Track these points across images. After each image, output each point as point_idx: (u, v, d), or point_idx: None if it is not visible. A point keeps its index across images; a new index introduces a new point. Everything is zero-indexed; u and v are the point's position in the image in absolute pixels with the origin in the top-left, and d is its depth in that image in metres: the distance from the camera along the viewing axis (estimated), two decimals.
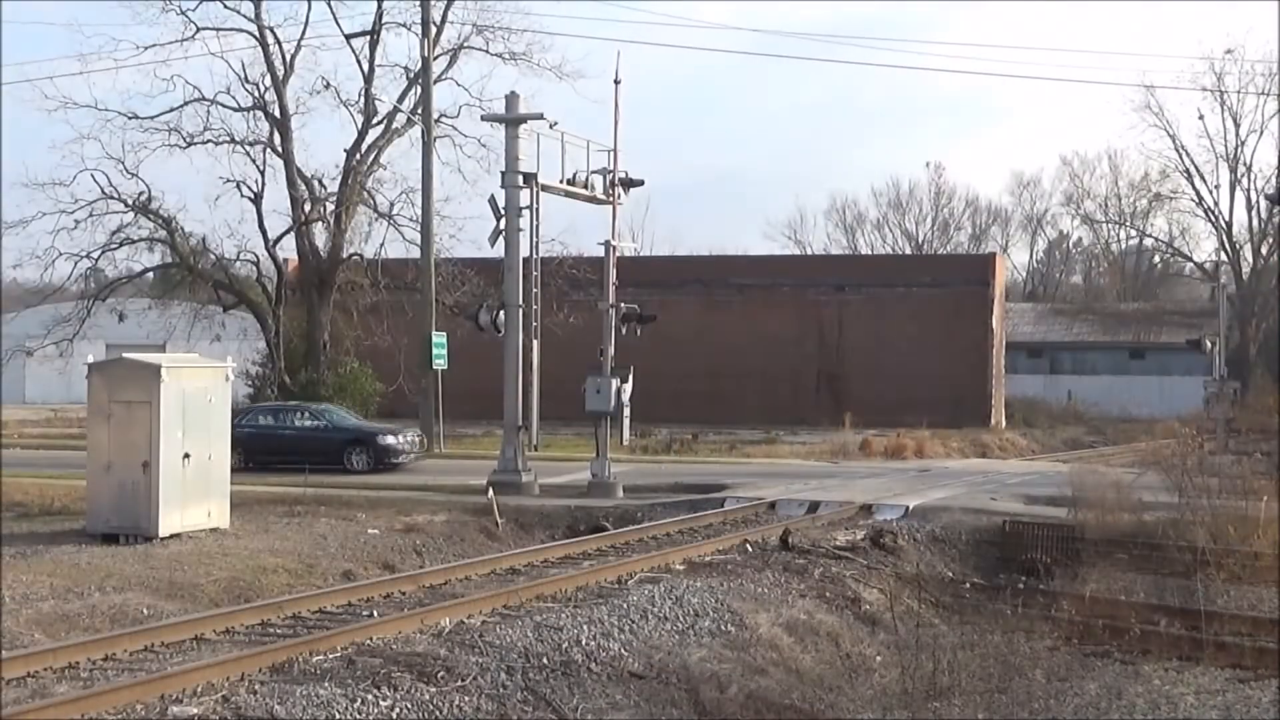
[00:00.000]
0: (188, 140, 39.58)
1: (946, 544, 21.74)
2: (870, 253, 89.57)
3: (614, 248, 27.46)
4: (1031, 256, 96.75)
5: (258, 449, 30.31)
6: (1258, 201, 75.88)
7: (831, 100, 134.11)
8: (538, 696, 12.46)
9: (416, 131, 39.36)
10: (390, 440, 31.96)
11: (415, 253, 39.81)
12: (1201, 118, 75.46)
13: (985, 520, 22.76)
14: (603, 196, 27.46)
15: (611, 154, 27.42)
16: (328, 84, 40.09)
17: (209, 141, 39.84)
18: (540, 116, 26.46)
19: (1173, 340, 68.46)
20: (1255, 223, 77.53)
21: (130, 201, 39.55)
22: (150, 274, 43.62)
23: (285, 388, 40.60)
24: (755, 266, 62.32)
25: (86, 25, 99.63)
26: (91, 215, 39.29)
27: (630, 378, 26.25)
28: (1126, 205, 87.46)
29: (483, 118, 33.62)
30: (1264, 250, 77.84)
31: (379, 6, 41.04)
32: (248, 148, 40.13)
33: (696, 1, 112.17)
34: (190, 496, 19.34)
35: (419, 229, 39.03)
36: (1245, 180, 76.23)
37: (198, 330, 42.73)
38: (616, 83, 27.49)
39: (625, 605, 15.45)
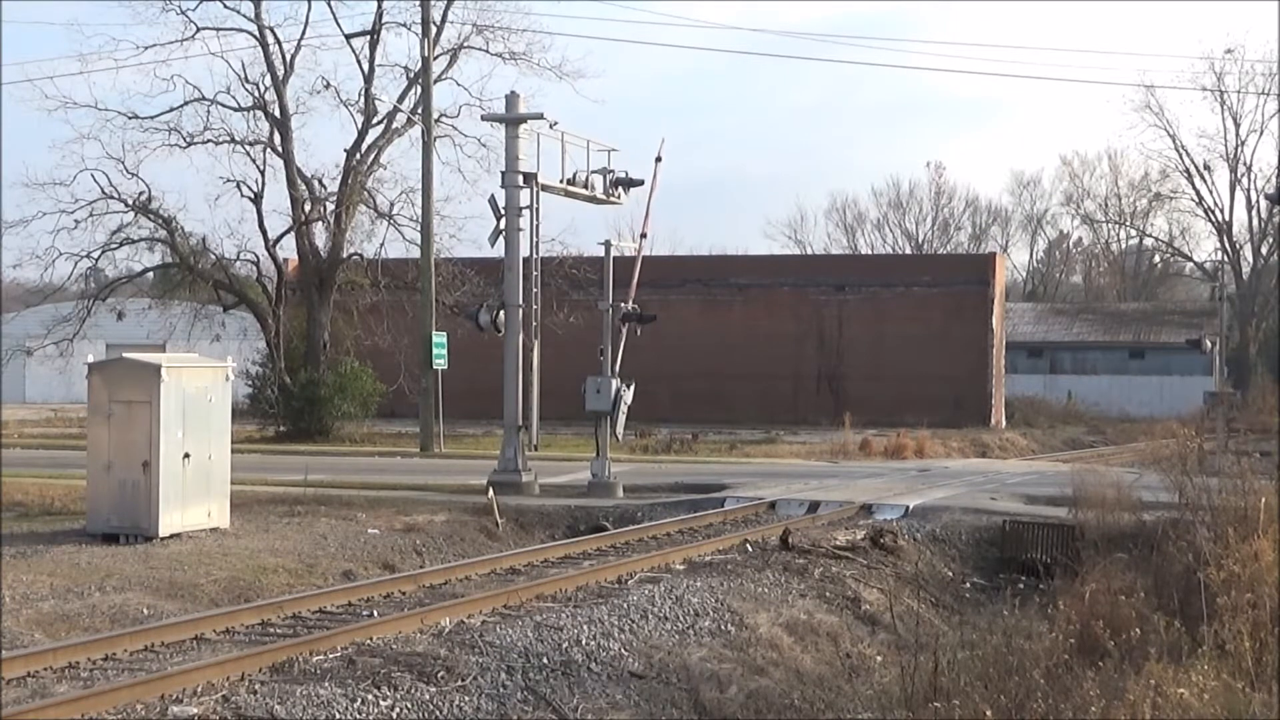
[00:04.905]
0: (188, 140, 39.67)
1: (946, 544, 21.74)
2: (870, 252, 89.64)
3: (639, 248, 27.61)
4: (1031, 256, 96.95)
5: None
6: (1258, 201, 76.04)
7: (831, 100, 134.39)
8: (538, 696, 12.47)
9: (416, 131, 39.36)
10: None
11: (415, 253, 39.80)
12: (1206, 152, 75.56)
13: (985, 520, 22.75)
14: (603, 196, 27.51)
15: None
16: (328, 84, 40.19)
17: (209, 141, 39.96)
18: (540, 116, 26.48)
19: (1173, 340, 68.51)
20: (1255, 223, 77.66)
21: (130, 201, 39.58)
22: (150, 274, 43.72)
23: (285, 388, 40.65)
24: (755, 266, 62.33)
25: (86, 25, 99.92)
26: (91, 215, 39.37)
27: (632, 385, 26.26)
28: (1126, 205, 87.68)
29: (483, 118, 33.70)
30: (1264, 250, 77.96)
31: (379, 6, 41.15)
32: (248, 148, 40.22)
33: (696, 1, 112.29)
34: (190, 496, 19.32)
35: (419, 229, 39.02)
36: (1245, 180, 76.38)
37: (198, 330, 42.75)
38: (658, 160, 27.52)
39: (625, 605, 15.45)
